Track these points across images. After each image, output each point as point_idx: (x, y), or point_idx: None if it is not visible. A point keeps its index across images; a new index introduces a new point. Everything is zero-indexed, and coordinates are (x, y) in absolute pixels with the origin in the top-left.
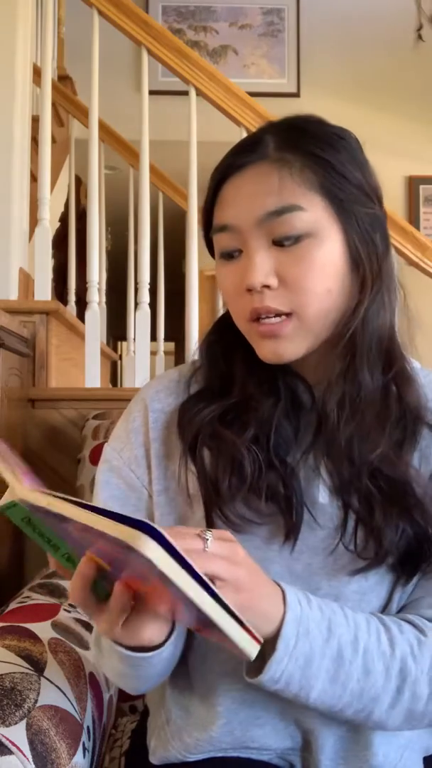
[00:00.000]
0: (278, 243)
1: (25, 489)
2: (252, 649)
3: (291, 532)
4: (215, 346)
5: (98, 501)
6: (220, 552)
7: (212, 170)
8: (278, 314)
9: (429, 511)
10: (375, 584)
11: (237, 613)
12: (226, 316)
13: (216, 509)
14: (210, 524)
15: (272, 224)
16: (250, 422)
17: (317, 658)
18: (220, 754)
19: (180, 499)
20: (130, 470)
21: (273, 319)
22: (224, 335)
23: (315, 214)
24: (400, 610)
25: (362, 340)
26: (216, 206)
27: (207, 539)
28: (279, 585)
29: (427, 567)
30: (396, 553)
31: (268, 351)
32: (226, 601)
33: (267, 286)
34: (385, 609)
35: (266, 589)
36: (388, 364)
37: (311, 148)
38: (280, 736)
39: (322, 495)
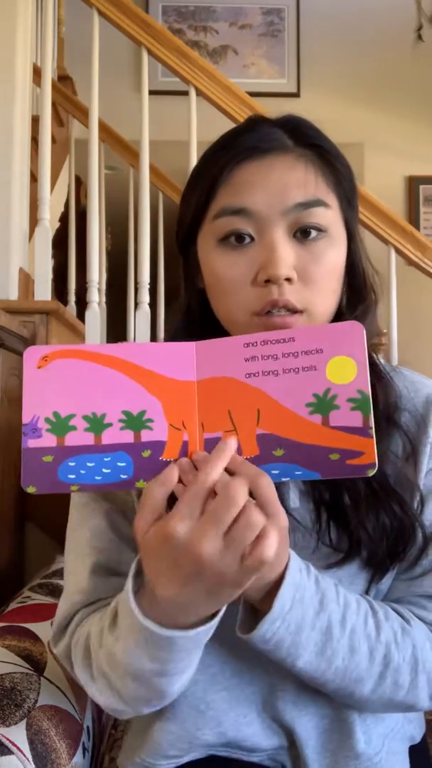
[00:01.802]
0: (300, 235)
1: None
2: None
3: None
4: None
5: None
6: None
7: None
8: (292, 311)
9: (407, 502)
10: (348, 584)
11: None
12: (190, 322)
13: None
14: None
15: (298, 216)
16: None
17: (307, 628)
18: (209, 752)
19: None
20: None
21: (285, 313)
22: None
23: (334, 215)
24: None
25: None
26: (225, 188)
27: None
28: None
29: (400, 565)
30: (371, 545)
31: None
32: None
33: (288, 279)
34: None
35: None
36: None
37: (327, 152)
38: (267, 734)
39: (293, 500)
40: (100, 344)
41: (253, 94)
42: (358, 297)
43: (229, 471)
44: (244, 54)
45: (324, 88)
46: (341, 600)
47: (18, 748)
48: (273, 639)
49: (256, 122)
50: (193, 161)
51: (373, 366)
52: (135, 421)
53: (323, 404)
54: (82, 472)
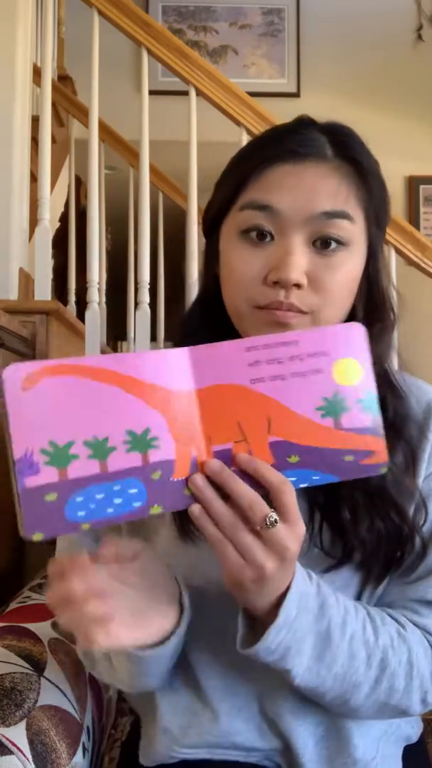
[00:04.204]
0: (320, 245)
1: None
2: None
3: None
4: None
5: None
6: (273, 539)
7: (237, 152)
8: (296, 312)
9: (405, 510)
10: (342, 586)
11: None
12: (207, 304)
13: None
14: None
15: (321, 224)
16: None
17: (310, 634)
18: (207, 755)
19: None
20: None
21: (289, 313)
22: (201, 335)
23: (357, 229)
24: None
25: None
26: (256, 183)
27: (269, 524)
28: None
29: (397, 569)
30: (365, 551)
31: None
32: None
33: (298, 285)
34: None
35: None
36: (384, 374)
37: (364, 168)
38: (261, 733)
39: None
40: (88, 356)
41: (253, 94)
42: (375, 315)
43: (253, 479)
44: (244, 54)
45: (324, 88)
46: (341, 606)
47: (18, 748)
48: (279, 648)
49: (303, 124)
50: (194, 161)
51: (387, 377)
52: (140, 441)
53: (333, 407)
54: (92, 506)
